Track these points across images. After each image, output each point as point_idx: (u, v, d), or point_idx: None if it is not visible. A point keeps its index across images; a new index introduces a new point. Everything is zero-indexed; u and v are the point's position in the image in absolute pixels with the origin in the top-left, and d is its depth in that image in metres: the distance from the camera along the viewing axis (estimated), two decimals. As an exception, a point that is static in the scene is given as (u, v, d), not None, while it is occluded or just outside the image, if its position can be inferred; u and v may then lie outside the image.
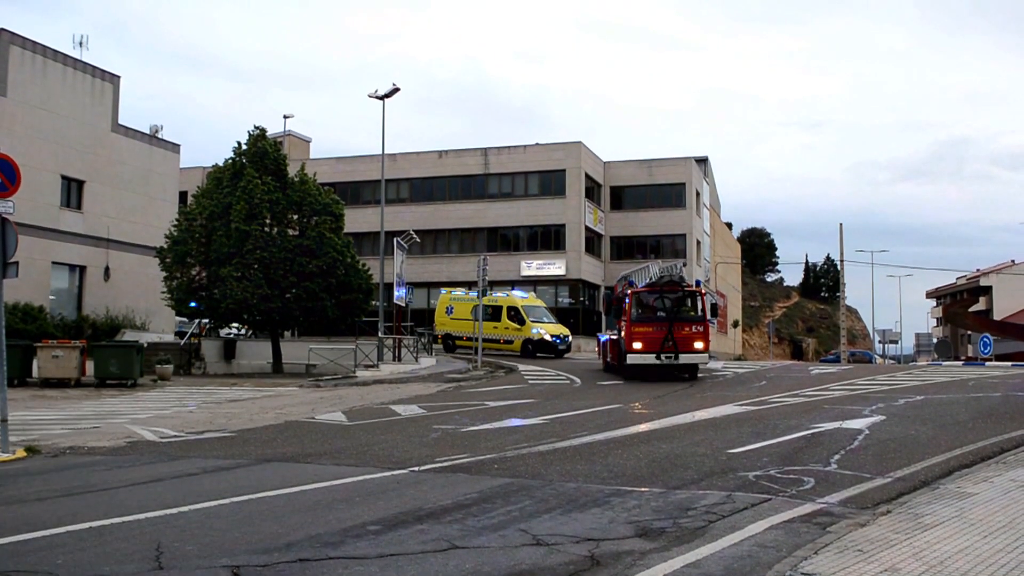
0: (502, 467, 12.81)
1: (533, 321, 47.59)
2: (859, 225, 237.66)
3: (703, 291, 30.73)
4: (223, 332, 41.73)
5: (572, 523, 9.17)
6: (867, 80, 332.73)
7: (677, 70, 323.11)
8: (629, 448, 14.70)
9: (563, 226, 62.81)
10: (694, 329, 29.62)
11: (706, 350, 29.92)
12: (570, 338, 49.01)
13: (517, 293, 50.87)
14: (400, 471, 12.52)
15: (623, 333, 30.64)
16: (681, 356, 29.22)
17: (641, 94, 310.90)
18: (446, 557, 7.81)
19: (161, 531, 8.80)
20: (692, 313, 30.16)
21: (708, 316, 30.14)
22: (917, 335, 78.44)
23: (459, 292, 51.79)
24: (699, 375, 31.20)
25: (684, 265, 30.42)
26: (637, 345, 29.25)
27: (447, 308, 51.13)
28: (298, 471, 12.74)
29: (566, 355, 47.52)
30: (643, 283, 30.98)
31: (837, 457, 13.38)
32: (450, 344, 50.28)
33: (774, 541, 8.37)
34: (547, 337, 46.89)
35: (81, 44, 43.88)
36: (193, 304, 37.35)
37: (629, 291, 30.54)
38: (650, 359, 29.15)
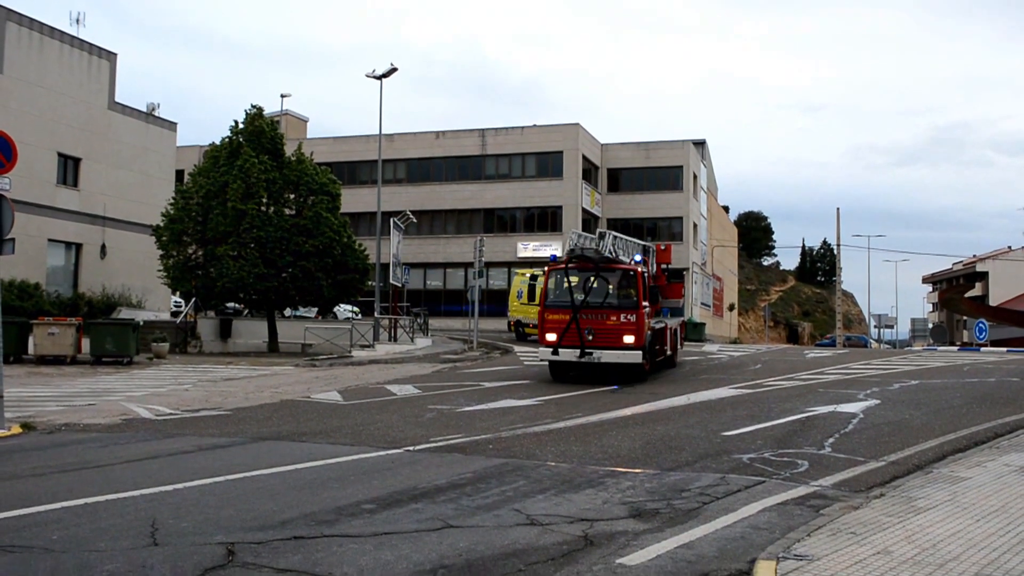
0: (497, 447, 12.86)
1: None
2: (856, 209, 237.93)
3: (640, 269, 23.56)
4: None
5: (566, 503, 9.21)
6: (866, 64, 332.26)
7: (675, 53, 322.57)
8: (624, 430, 14.74)
9: (560, 208, 62.76)
10: (622, 319, 22.71)
11: (638, 345, 22.64)
12: None
13: None
14: (395, 451, 12.56)
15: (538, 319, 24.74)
16: (600, 353, 22.56)
17: (639, 77, 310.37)
18: (440, 536, 7.84)
19: (156, 508, 8.83)
20: (628, 295, 23.24)
21: (644, 301, 23.02)
22: (913, 320, 78.44)
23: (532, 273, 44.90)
24: (671, 367, 27.70)
25: (604, 236, 23.47)
26: (550, 336, 23.08)
27: (518, 292, 45.09)
28: (293, 450, 12.77)
29: None
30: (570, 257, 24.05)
31: (831, 440, 13.43)
32: (521, 332, 44.43)
33: (767, 523, 8.41)
34: None
35: (78, 21, 43.71)
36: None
37: (546, 268, 24.41)
38: (566, 355, 22.90)
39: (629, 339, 22.61)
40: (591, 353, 22.51)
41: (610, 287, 23.40)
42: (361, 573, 6.78)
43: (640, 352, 22.66)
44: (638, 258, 24.22)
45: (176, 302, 45.00)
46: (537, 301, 24.92)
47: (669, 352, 27.02)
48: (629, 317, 22.75)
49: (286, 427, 15.12)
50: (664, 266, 29.17)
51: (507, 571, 6.89)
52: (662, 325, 25.99)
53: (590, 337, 22.59)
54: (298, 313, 43.20)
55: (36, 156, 36.25)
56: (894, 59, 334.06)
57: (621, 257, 23.73)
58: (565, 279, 23.34)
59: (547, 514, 8.69)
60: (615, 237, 24.04)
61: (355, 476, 10.73)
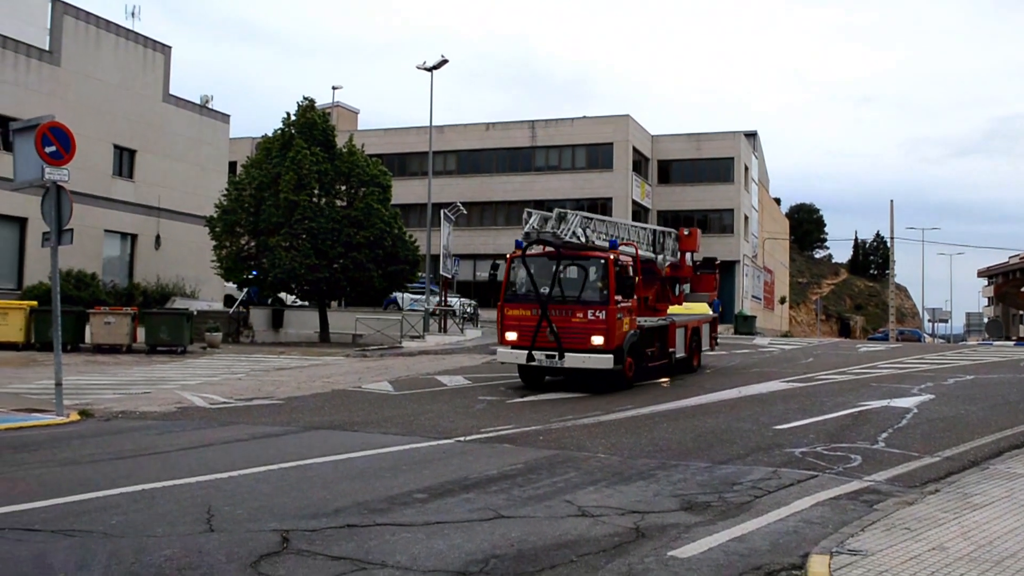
0: (547, 439, 12.88)
1: None
2: (910, 202, 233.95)
3: (611, 256, 19.81)
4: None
5: (617, 495, 9.21)
6: (920, 55, 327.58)
7: (727, 43, 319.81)
8: (674, 422, 14.71)
9: (610, 200, 62.48)
10: (589, 315, 19.24)
11: (609, 347, 19.13)
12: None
13: None
14: (446, 441, 12.63)
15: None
16: (565, 356, 19.19)
17: (689, 67, 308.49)
18: (492, 526, 7.87)
19: (211, 495, 8.96)
20: (597, 288, 19.57)
21: (615, 295, 19.36)
22: (968, 314, 77.71)
23: None
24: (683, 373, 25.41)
25: (565, 217, 19.76)
26: (511, 336, 19.88)
27: None
28: (345, 439, 12.89)
29: None
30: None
31: (885, 435, 13.30)
32: None
33: (820, 518, 8.35)
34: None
35: (133, 15, 44.44)
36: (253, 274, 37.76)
37: (508, 255, 20.89)
38: (524, 357, 19.59)
39: (598, 340, 19.18)
40: (554, 356, 19.31)
41: (576, 278, 20.00)
42: (414, 561, 6.83)
43: (611, 356, 19.12)
44: (616, 244, 20.61)
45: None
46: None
47: (682, 354, 23.55)
48: (598, 314, 19.24)
49: (338, 417, 15.25)
50: (691, 254, 26.35)
51: (559, 562, 6.90)
52: (664, 323, 22.87)
53: (553, 337, 19.24)
54: (415, 307, 42.70)
55: (93, 148, 36.78)
56: (950, 49, 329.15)
57: (597, 243, 20.40)
58: (527, 269, 19.89)
59: (598, 505, 8.70)
60: (585, 218, 20.52)
61: (407, 466, 10.80)
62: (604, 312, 19.19)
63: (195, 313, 32.39)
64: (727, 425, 14.34)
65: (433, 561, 6.84)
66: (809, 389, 20.03)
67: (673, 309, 27.63)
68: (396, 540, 7.38)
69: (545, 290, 19.61)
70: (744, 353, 31.78)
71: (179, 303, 37.78)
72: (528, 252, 20.11)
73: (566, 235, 19.52)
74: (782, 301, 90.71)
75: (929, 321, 74.59)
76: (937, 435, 13.43)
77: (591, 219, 20.78)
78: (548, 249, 20.04)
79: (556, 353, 19.26)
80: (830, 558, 6.76)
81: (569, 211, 20.18)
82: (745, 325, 54.33)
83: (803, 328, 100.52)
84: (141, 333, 29.81)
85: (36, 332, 28.87)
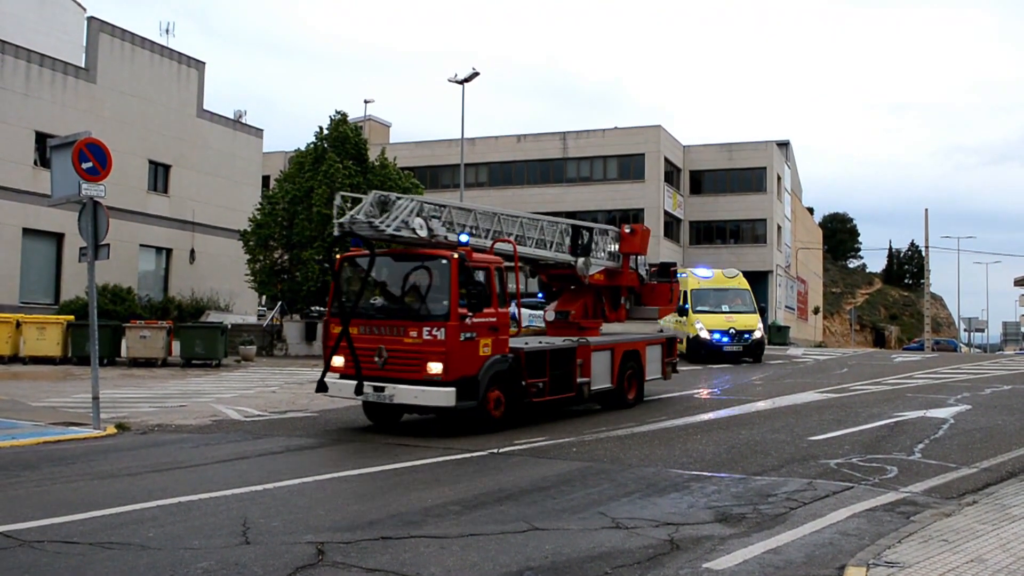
0: (580, 451, 12.87)
1: (699, 312, 33.70)
2: (945, 210, 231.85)
3: (455, 254, 14.26)
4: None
5: (651, 507, 9.19)
6: (954, 61, 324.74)
7: (758, 52, 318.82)
8: (707, 434, 14.64)
9: (642, 210, 62.38)
10: (425, 334, 13.96)
11: (451, 377, 13.87)
12: (757, 333, 33.85)
13: (699, 271, 36.50)
14: (480, 453, 12.63)
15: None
16: (394, 389, 14.09)
17: (721, 77, 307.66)
18: (526, 538, 7.87)
19: (247, 507, 9.02)
20: (436, 298, 14.35)
21: (459, 307, 14.05)
22: (1004, 324, 76.76)
23: (702, 272, 36.60)
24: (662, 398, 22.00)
25: (388, 202, 14.89)
26: (338, 361, 14.89)
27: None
28: (379, 451, 12.93)
29: (747, 359, 33.49)
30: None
31: (921, 446, 13.18)
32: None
33: (856, 529, 8.29)
34: (703, 334, 33.07)
35: (168, 31, 45.00)
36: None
37: (337, 256, 16.05)
38: (353, 390, 14.45)
39: (435, 367, 13.88)
40: (382, 389, 14.27)
41: (411, 286, 15.02)
42: (448, 573, 6.85)
43: (453, 389, 13.91)
44: (464, 239, 14.90)
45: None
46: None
47: (604, 385, 17.76)
48: (434, 332, 13.94)
49: (371, 428, 15.28)
50: (635, 258, 20.78)
51: (593, 574, 6.89)
52: (567, 345, 17.00)
53: (379, 361, 14.31)
54: (532, 324, 42.17)
55: (128, 163, 37.18)
56: (984, 55, 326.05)
57: (450, 237, 15.07)
58: (358, 273, 15.25)
59: (632, 517, 8.68)
60: (434, 206, 15.50)
61: (441, 478, 10.83)
62: (443, 330, 13.94)
63: (229, 326, 32.60)
64: (761, 436, 14.26)
65: (468, 573, 6.86)
66: (844, 400, 19.88)
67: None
68: (431, 552, 7.40)
69: (375, 301, 15.18)
70: (778, 364, 31.59)
71: (213, 316, 38.05)
72: (362, 252, 14.98)
73: (390, 227, 14.44)
74: (816, 311, 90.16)
75: (965, 331, 73.94)
76: (974, 446, 13.30)
77: (443, 207, 15.78)
78: (394, 248, 15.61)
79: (385, 384, 14.27)
80: (867, 570, 6.71)
81: (400, 195, 15.38)
82: (779, 336, 54.07)
83: (837, 338, 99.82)
84: (176, 347, 30.02)
85: (73, 346, 29.14)
